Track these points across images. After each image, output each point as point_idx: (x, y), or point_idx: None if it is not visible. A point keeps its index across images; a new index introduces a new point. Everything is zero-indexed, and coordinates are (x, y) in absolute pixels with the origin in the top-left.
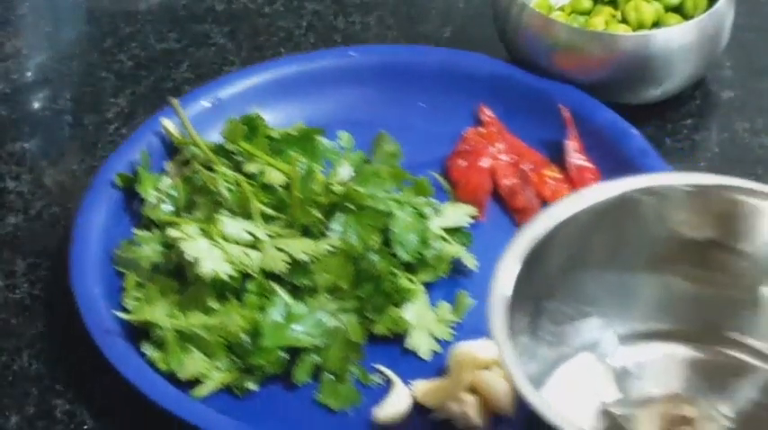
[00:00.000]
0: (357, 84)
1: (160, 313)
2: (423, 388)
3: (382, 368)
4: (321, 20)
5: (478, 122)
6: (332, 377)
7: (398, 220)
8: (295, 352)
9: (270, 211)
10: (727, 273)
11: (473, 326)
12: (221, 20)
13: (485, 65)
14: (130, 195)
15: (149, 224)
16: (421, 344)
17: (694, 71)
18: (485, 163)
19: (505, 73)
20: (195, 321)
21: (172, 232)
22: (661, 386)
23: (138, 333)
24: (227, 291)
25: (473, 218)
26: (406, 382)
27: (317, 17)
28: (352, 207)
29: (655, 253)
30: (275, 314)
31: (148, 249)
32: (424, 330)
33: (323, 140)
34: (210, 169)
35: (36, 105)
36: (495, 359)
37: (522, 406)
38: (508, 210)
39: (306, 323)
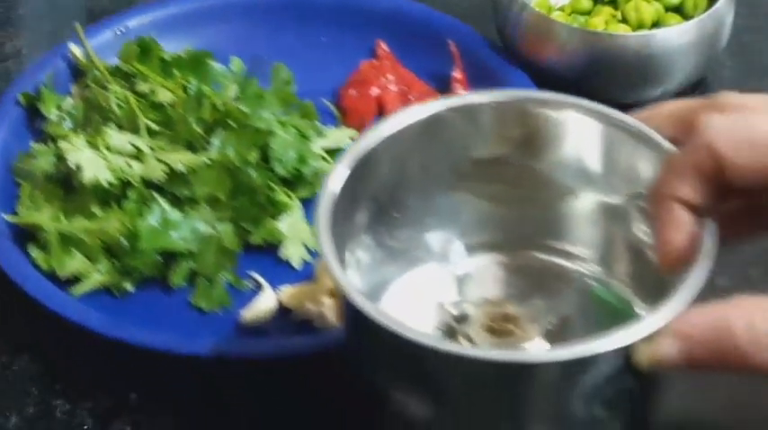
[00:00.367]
0: (263, 19)
1: (45, 217)
2: (288, 292)
3: (255, 274)
4: None
5: (375, 56)
6: (205, 281)
7: (278, 139)
8: (172, 258)
9: (155, 127)
10: (534, 187)
11: None
12: None
13: (383, 1)
14: (36, 115)
15: (48, 140)
16: (293, 253)
17: (694, 71)
18: (373, 92)
19: (402, 9)
20: (77, 225)
21: (61, 143)
22: (493, 291)
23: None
24: (109, 198)
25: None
26: (275, 288)
27: None
28: (233, 124)
29: (462, 171)
30: (152, 220)
31: (43, 161)
32: (298, 241)
33: (214, 65)
34: (106, 89)
35: None
36: None
37: (342, 298)
38: None
39: (181, 229)
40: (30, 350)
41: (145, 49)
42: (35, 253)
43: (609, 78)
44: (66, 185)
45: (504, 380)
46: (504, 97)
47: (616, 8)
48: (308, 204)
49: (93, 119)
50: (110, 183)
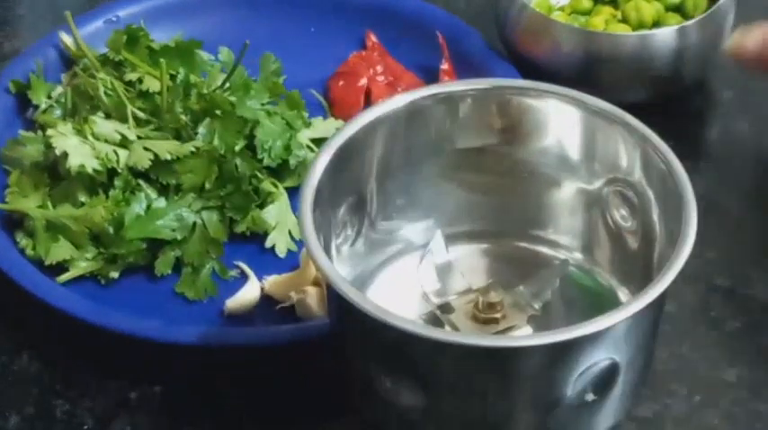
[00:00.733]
0: (252, 10)
1: (32, 204)
2: (273, 281)
3: (240, 263)
4: None
5: (364, 47)
6: (191, 269)
7: (265, 128)
8: (158, 246)
9: (142, 115)
10: (516, 176)
11: None
12: None
13: None
14: (26, 103)
15: (37, 128)
16: (279, 242)
17: (694, 71)
18: (362, 83)
19: (392, 1)
20: (64, 212)
21: (49, 131)
22: (477, 279)
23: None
24: (96, 186)
25: None
26: (260, 277)
27: None
28: (219, 113)
29: (445, 161)
30: (138, 208)
31: (31, 148)
32: (284, 231)
33: (202, 54)
34: (95, 77)
35: None
36: None
37: (328, 286)
38: None
39: (167, 218)
40: (30, 350)
41: (133, 38)
42: (22, 240)
43: (609, 78)
44: (53, 173)
45: (490, 366)
46: (485, 86)
47: (616, 8)
48: (294, 194)
49: (81, 107)
50: (96, 171)
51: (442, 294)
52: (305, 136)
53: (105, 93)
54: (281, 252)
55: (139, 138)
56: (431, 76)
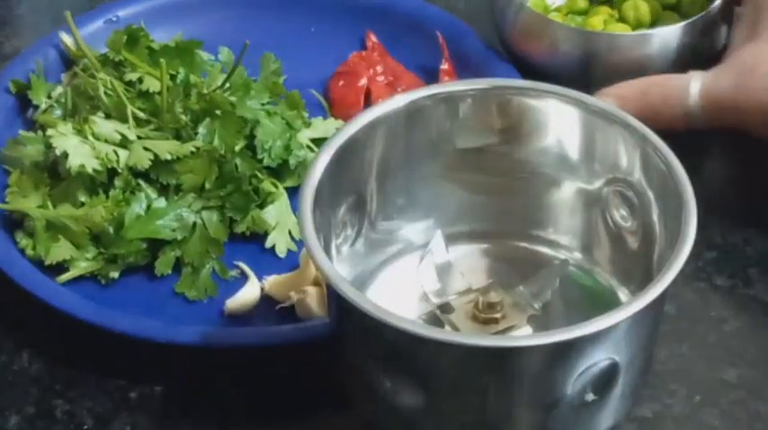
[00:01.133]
0: (252, 10)
1: (32, 204)
2: (273, 281)
3: (240, 263)
4: None
5: (365, 47)
6: (191, 269)
7: (265, 128)
8: (158, 246)
9: (142, 115)
10: (515, 176)
11: None
12: None
13: None
14: (26, 103)
15: (37, 128)
16: (279, 242)
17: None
18: (362, 83)
19: (392, 0)
20: (64, 212)
21: (49, 131)
22: (477, 280)
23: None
24: (96, 186)
25: None
26: (260, 277)
27: None
28: (219, 113)
29: (445, 161)
30: (138, 208)
31: (32, 149)
32: (284, 231)
33: (202, 54)
34: (95, 77)
35: None
36: None
37: (328, 286)
38: None
39: (167, 218)
40: (30, 350)
41: (133, 38)
42: (22, 240)
43: (609, 78)
44: (53, 173)
45: (490, 366)
46: (485, 86)
47: (612, 7)
48: (294, 194)
49: (81, 107)
50: (96, 171)
51: (442, 294)
52: (305, 136)
53: (105, 93)
54: (281, 252)
55: (139, 138)
56: (431, 76)
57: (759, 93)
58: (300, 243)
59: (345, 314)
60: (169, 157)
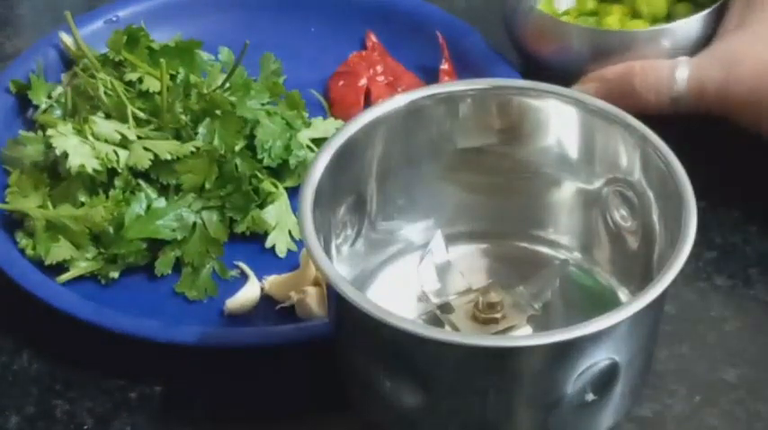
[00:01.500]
0: (252, 10)
1: (32, 204)
2: (273, 281)
3: (240, 263)
4: None
5: (365, 47)
6: (191, 269)
7: (265, 128)
8: (158, 246)
9: (142, 115)
10: (515, 176)
11: None
12: None
13: None
14: (26, 103)
15: (37, 128)
16: (279, 242)
17: None
18: (362, 83)
19: (392, 0)
20: (64, 212)
21: (49, 131)
22: (477, 279)
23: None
24: (96, 186)
25: None
26: (260, 277)
27: None
28: (219, 113)
29: (445, 161)
30: (138, 208)
31: (31, 149)
32: (283, 230)
33: (202, 54)
34: (95, 77)
35: None
36: None
37: (328, 286)
38: None
39: (167, 218)
40: (30, 350)
41: (133, 38)
42: (22, 240)
43: None
44: (53, 173)
45: (490, 366)
46: (485, 86)
47: (623, 4)
48: (294, 194)
49: (81, 107)
50: (96, 171)
51: (442, 294)
52: (305, 136)
53: (105, 93)
54: (281, 252)
55: (139, 138)
56: (431, 76)
57: (746, 80)
58: (300, 243)
59: (345, 314)
60: (169, 157)
